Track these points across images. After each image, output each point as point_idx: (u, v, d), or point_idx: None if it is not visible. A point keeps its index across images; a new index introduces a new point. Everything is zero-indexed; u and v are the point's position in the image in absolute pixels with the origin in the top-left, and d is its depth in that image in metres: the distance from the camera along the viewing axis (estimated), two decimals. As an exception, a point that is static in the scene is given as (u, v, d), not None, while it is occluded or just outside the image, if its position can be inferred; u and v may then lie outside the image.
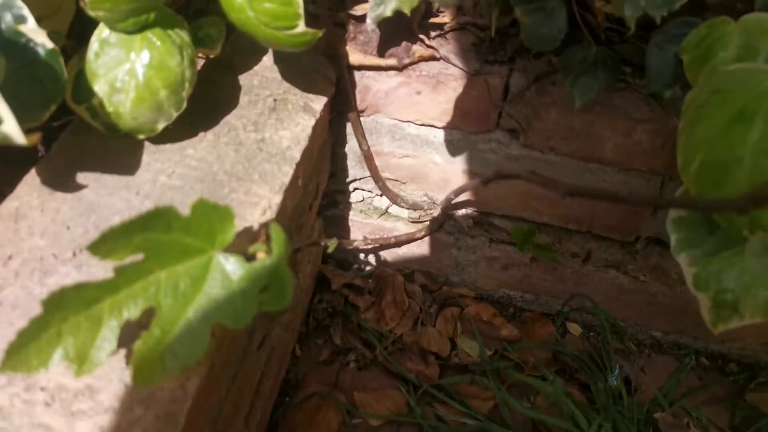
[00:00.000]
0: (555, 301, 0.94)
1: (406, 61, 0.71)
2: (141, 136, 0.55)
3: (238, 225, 0.52)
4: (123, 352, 0.43)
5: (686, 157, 0.48)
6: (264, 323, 0.67)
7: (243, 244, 0.51)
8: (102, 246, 0.36)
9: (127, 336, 0.41)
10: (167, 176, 0.55)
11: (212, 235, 0.42)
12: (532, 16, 0.57)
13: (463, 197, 0.83)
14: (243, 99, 0.64)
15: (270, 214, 0.54)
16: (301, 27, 0.49)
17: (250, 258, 0.44)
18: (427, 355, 0.86)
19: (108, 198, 0.52)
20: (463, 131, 0.77)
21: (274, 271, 0.41)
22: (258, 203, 0.54)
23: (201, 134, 0.59)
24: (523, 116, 0.73)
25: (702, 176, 0.47)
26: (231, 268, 0.42)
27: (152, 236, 0.38)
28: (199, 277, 0.41)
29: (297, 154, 0.60)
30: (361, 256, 0.97)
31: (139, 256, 0.39)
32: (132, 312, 0.39)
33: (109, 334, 0.38)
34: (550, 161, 0.77)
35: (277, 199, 0.55)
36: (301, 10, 0.48)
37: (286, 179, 0.57)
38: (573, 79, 0.61)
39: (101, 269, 0.47)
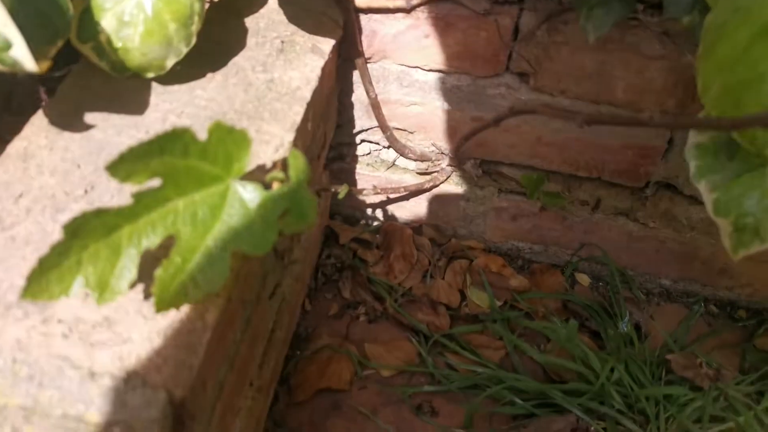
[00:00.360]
0: (564, 251, 0.94)
1: (414, 2, 0.69)
2: (150, 74, 0.54)
3: (252, 162, 0.52)
4: (140, 287, 0.43)
5: (706, 81, 0.47)
6: (276, 271, 0.66)
7: (259, 176, 0.50)
8: (120, 167, 0.35)
9: (146, 268, 0.41)
10: (176, 116, 0.54)
11: (229, 162, 0.41)
12: (546, -55, 0.55)
13: (471, 146, 0.82)
14: (250, 41, 0.62)
15: (283, 152, 0.53)
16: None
17: (267, 187, 0.43)
18: (437, 306, 0.86)
19: (117, 137, 0.51)
20: (472, 76, 0.76)
21: (294, 195, 0.40)
22: (270, 141, 0.53)
23: (209, 75, 0.58)
24: (533, 57, 0.72)
25: (723, 98, 0.46)
26: (249, 196, 0.42)
27: (169, 160, 0.38)
28: (217, 205, 0.41)
29: (307, 94, 0.58)
30: (369, 210, 0.96)
31: (156, 182, 0.38)
32: (151, 240, 0.39)
33: (129, 262, 0.38)
34: (560, 105, 0.76)
35: (290, 137, 0.54)
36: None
37: (298, 118, 0.56)
38: (587, 12, 0.60)
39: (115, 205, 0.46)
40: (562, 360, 0.76)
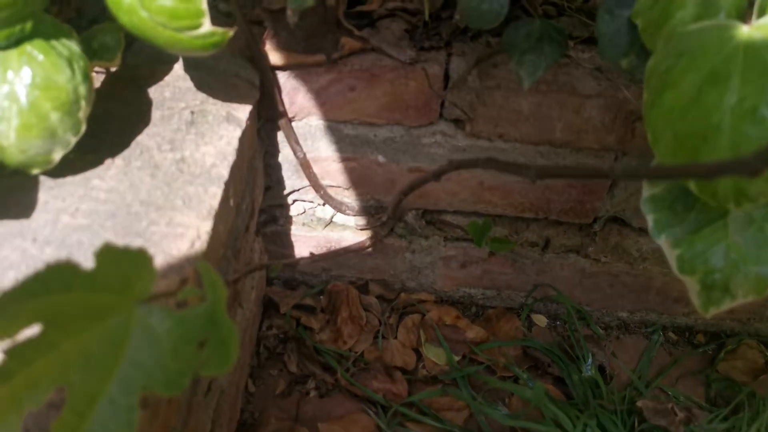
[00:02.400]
0: (518, 294, 0.90)
1: (335, 55, 0.64)
2: (35, 171, 0.46)
3: (164, 263, 0.44)
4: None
5: (657, 131, 0.44)
6: (209, 366, 0.58)
7: (173, 286, 0.43)
8: (-21, 323, 0.28)
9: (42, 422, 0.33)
10: (70, 215, 0.46)
11: (127, 286, 0.34)
12: (470, -7, 0.52)
13: (412, 198, 0.77)
14: (155, 114, 0.55)
15: (200, 245, 0.46)
16: (206, 26, 0.42)
17: (181, 306, 0.36)
18: (392, 372, 0.80)
19: (-3, 250, 0.43)
20: (405, 126, 0.71)
21: (211, 320, 0.34)
22: (184, 234, 0.46)
23: (108, 161, 0.51)
24: (467, 104, 0.68)
25: (678, 149, 0.43)
26: (157, 321, 0.34)
27: (48, 300, 0.30)
28: (119, 339, 0.33)
29: (225, 172, 0.52)
30: (310, 272, 0.90)
31: (35, 329, 0.31)
32: (36, 400, 0.31)
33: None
34: (499, 149, 0.72)
35: (207, 226, 0.47)
36: (205, 6, 0.41)
37: (215, 202, 0.49)
38: (519, 57, 0.56)
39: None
40: (531, 423, 0.71)
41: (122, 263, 0.33)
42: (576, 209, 0.78)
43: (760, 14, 0.42)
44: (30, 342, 0.30)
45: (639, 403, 0.71)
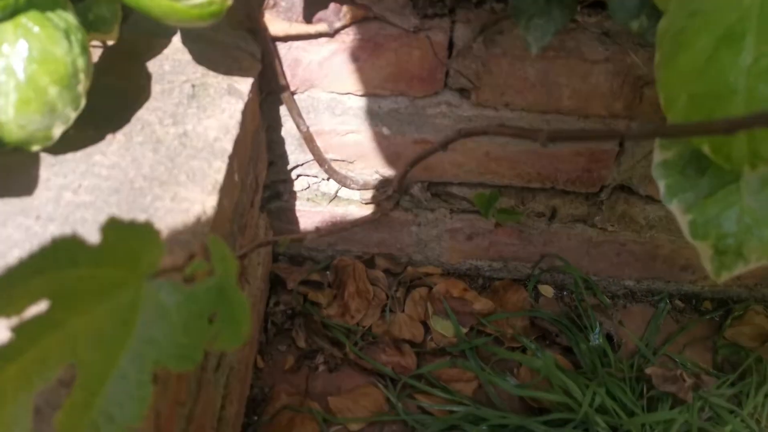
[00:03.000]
0: (524, 265, 0.90)
1: (338, 24, 0.62)
2: (35, 148, 0.45)
3: (170, 239, 0.44)
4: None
5: (670, 94, 0.43)
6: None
7: (178, 261, 0.42)
8: (-13, 300, 0.27)
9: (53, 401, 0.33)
10: (73, 192, 0.45)
11: (135, 261, 0.33)
12: (476, -45, 0.50)
13: (417, 170, 0.77)
14: (155, 88, 0.54)
15: (206, 220, 0.46)
16: (206, -8, 0.40)
17: (189, 281, 0.35)
18: (401, 344, 0.80)
19: (1, 229, 0.43)
20: (409, 97, 0.70)
21: (221, 294, 0.33)
22: (189, 209, 0.45)
23: (109, 136, 0.50)
24: (472, 72, 0.67)
25: (691, 112, 0.42)
26: (166, 296, 0.34)
27: (55, 276, 0.30)
28: (127, 314, 0.33)
29: (228, 145, 0.51)
30: (316, 247, 0.89)
31: (42, 305, 0.30)
32: (46, 377, 0.30)
33: (19, 411, 0.30)
34: (505, 118, 0.71)
35: (212, 200, 0.47)
36: (205, -29, 0.40)
37: (220, 176, 0.48)
38: (526, 22, 0.55)
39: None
40: (541, 393, 0.71)
41: (129, 238, 0.32)
42: (583, 178, 0.77)
43: (778, -30, 0.40)
44: (37, 319, 0.30)
45: (648, 371, 0.71)
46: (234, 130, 0.52)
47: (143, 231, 0.32)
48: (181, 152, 0.49)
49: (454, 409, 0.74)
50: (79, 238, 0.30)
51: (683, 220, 0.46)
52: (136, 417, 0.32)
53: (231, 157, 0.51)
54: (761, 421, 0.70)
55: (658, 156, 0.47)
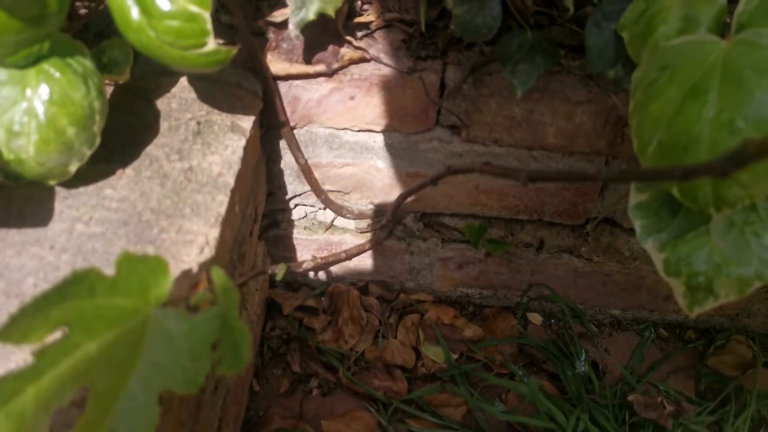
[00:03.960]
0: (513, 293, 0.92)
1: (335, 65, 0.66)
2: (52, 182, 0.48)
3: (175, 268, 0.47)
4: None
5: (642, 139, 0.47)
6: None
7: (183, 290, 0.45)
8: (14, 329, 0.30)
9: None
10: (84, 224, 0.48)
11: (145, 291, 0.36)
12: (464, 6, 0.54)
13: (410, 201, 0.80)
14: (162, 125, 0.58)
15: (209, 251, 0.49)
16: (210, 44, 0.44)
17: (193, 310, 0.38)
18: (392, 370, 0.82)
19: (17, 258, 0.45)
20: (402, 133, 0.73)
21: (224, 322, 0.36)
22: (194, 241, 0.49)
23: (119, 171, 0.53)
24: (462, 111, 0.70)
25: (661, 157, 0.45)
26: (172, 324, 0.37)
27: (74, 305, 0.33)
28: (136, 341, 0.36)
29: (231, 180, 0.54)
30: (311, 274, 0.92)
31: (60, 332, 0.33)
32: (62, 398, 0.33)
33: (37, 430, 0.32)
34: (494, 154, 0.74)
35: (215, 232, 0.50)
36: (210, 26, 0.43)
37: (222, 209, 0.52)
38: (512, 67, 0.59)
39: (22, 355, 0.41)
40: (527, 418, 0.74)
41: (140, 269, 0.35)
42: (569, 211, 0.81)
43: (738, 30, 0.44)
44: (56, 344, 0.33)
45: (630, 398, 0.73)
46: (236, 166, 0.56)
47: (154, 263, 0.35)
48: (186, 186, 0.53)
49: (443, 433, 0.76)
50: (96, 270, 0.33)
51: (657, 258, 0.49)
52: (143, 436, 0.34)
53: (233, 191, 0.54)
54: (738, 448, 0.73)
55: (633, 198, 0.50)
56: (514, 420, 0.76)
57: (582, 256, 0.87)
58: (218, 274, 0.38)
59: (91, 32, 0.61)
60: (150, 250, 0.47)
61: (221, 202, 0.52)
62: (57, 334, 0.33)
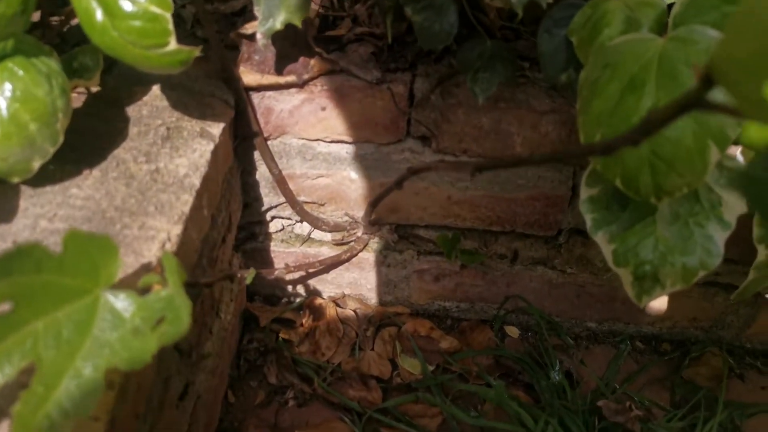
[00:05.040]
0: (490, 306, 0.93)
1: (306, 76, 0.69)
2: (15, 179, 0.50)
3: (135, 262, 0.48)
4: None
5: (587, 135, 0.48)
6: (183, 370, 0.61)
7: (134, 285, 0.46)
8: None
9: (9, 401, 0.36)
10: (48, 220, 0.49)
11: (95, 272, 0.37)
12: (422, 14, 0.56)
13: (385, 212, 0.81)
14: (132, 130, 0.60)
15: (170, 247, 0.50)
16: (172, 44, 0.46)
17: (144, 292, 0.39)
18: (367, 380, 0.82)
19: (-20, 251, 0.47)
20: (374, 144, 0.75)
21: (170, 302, 0.37)
22: (155, 237, 0.50)
23: (86, 171, 0.54)
24: (431, 121, 0.72)
25: (606, 151, 0.47)
26: (122, 305, 0.38)
27: (20, 280, 0.34)
28: (85, 320, 0.37)
29: (196, 181, 0.56)
30: (290, 288, 0.93)
31: (7, 306, 0.34)
32: (7, 371, 0.34)
33: (-21, 400, 0.33)
34: (464, 163, 0.76)
35: (177, 229, 0.51)
36: (171, 26, 0.45)
37: (186, 208, 0.53)
38: (473, 75, 0.61)
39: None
40: (495, 422, 0.74)
41: (90, 250, 0.36)
42: (540, 222, 0.82)
43: (675, 27, 0.46)
44: (2, 318, 0.34)
45: (599, 403, 0.73)
46: (203, 168, 0.57)
47: (103, 244, 0.37)
48: (151, 186, 0.54)
49: (417, 443, 0.76)
50: (42, 246, 0.34)
51: (607, 250, 0.50)
52: (87, 410, 0.35)
53: (199, 192, 0.55)
54: (708, 454, 0.72)
55: (584, 193, 0.52)
56: (487, 425, 0.75)
57: (556, 268, 0.88)
58: (168, 258, 0.39)
59: (68, 44, 0.64)
60: (112, 245, 0.49)
61: (186, 201, 0.53)
62: (5, 307, 0.34)
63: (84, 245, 0.36)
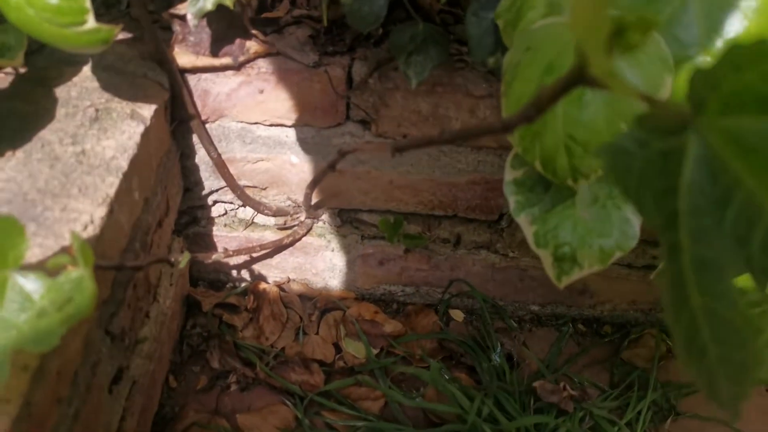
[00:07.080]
0: (435, 290, 0.94)
1: (242, 58, 0.68)
2: (-70, 161, 0.48)
3: (55, 245, 0.47)
4: None
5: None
6: (116, 354, 0.61)
7: (46, 257, 0.45)
8: None
9: None
10: (-35, 202, 0.48)
11: (2, 254, 0.37)
12: (352, -3, 0.56)
13: (327, 197, 0.82)
14: (59, 112, 0.58)
15: (93, 229, 0.49)
16: (91, 23, 0.45)
17: (54, 274, 0.39)
18: (310, 364, 0.83)
19: None
20: (314, 127, 0.75)
21: (79, 284, 0.37)
22: (78, 219, 0.49)
23: (8, 153, 0.53)
24: (370, 105, 0.73)
25: (524, 133, 0.48)
26: (32, 287, 0.37)
27: None
28: (-9, 301, 0.36)
29: (124, 163, 0.55)
30: (234, 273, 0.92)
31: None
32: None
33: None
34: (386, 144, 0.76)
35: (101, 212, 0.50)
36: (89, 4, 0.44)
37: (111, 190, 0.52)
38: (405, 59, 0.61)
39: None
40: (433, 404, 0.75)
41: (-7, 230, 0.35)
42: (482, 206, 0.83)
43: (592, 14, 0.47)
44: None
45: (535, 384, 0.75)
46: (132, 150, 0.56)
47: (8, 225, 0.36)
48: (76, 168, 0.53)
49: (359, 424, 0.77)
50: (-62, 225, 0.33)
51: (528, 231, 0.51)
52: (-9, 394, 0.35)
53: (126, 174, 0.55)
54: (637, 430, 0.75)
55: (508, 175, 0.53)
56: (427, 407, 0.77)
57: (498, 252, 0.89)
58: (76, 238, 0.38)
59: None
60: (32, 228, 0.48)
61: (111, 184, 0.53)
62: None
63: (-14, 225, 0.35)
